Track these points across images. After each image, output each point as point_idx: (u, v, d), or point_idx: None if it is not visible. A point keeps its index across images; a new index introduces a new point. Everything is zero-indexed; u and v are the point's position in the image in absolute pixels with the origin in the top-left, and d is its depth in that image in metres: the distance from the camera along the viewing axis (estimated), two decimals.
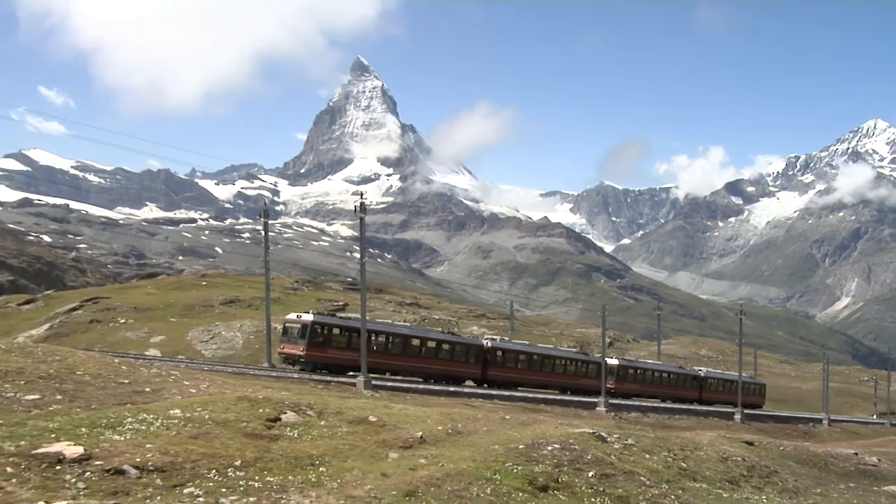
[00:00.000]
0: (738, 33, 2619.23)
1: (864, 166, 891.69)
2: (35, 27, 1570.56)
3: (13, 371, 20.75)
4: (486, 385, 56.85)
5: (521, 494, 16.30)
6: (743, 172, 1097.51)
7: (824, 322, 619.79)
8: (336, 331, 49.42)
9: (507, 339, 67.02)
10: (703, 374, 79.74)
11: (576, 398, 57.83)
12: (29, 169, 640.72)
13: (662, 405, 65.54)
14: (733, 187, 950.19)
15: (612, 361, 68.14)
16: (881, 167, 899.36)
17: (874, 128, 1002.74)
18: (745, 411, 69.71)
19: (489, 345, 59.00)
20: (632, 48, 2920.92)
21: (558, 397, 56.81)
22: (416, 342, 54.66)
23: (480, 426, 24.31)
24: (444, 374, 55.29)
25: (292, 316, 50.56)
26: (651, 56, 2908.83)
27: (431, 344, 55.83)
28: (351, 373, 46.85)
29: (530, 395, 53.43)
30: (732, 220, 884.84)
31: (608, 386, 61.96)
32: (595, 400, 56.30)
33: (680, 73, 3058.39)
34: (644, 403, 64.19)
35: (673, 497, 19.72)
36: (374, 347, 49.84)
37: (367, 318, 49.15)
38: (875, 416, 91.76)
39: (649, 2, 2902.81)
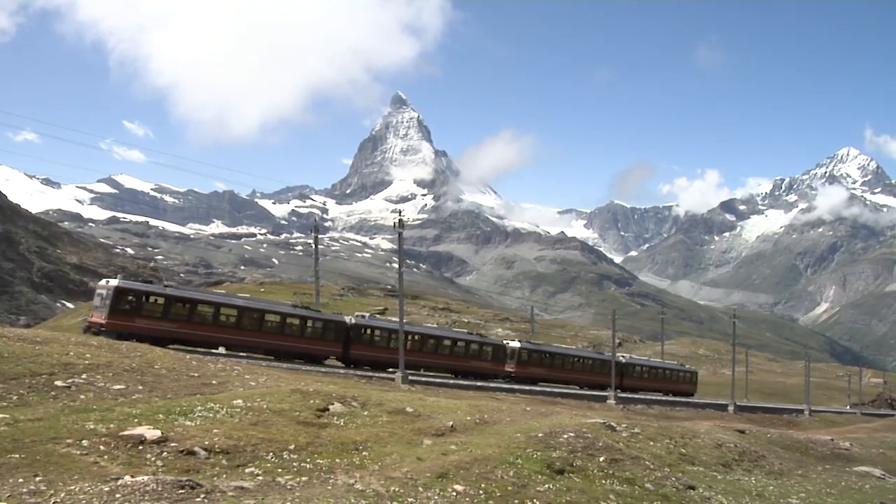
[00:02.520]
0: (732, 70, 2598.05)
1: (839, 188, 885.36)
2: (122, 70, 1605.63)
3: (103, 364, 21.11)
4: (352, 365, 46.04)
5: (540, 477, 16.20)
6: (736, 193, 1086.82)
7: (806, 325, 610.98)
8: (150, 299, 39.16)
9: (376, 315, 56.51)
10: (624, 361, 70.45)
11: (590, 392, 57.37)
12: (116, 191, 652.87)
13: (665, 398, 64.80)
14: (727, 206, 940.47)
15: (513, 344, 59.83)
16: (854, 189, 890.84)
17: (847, 154, 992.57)
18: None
19: (353, 321, 47.87)
20: (638, 81, 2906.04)
21: (573, 391, 56.37)
22: (274, 318, 44.25)
23: (504, 417, 24.21)
24: (300, 352, 44.54)
25: (102, 282, 40.59)
26: (655, 88, 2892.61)
27: (294, 321, 45.10)
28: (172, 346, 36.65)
29: (548, 390, 53.25)
30: (727, 234, 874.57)
31: (508, 370, 56.85)
32: (606, 394, 55.87)
33: (680, 104, 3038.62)
34: (649, 397, 63.59)
35: (674, 479, 19.49)
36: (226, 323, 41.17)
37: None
38: (848, 407, 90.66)
39: (654, 41, 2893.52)
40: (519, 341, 61.39)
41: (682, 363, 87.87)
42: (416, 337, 52.20)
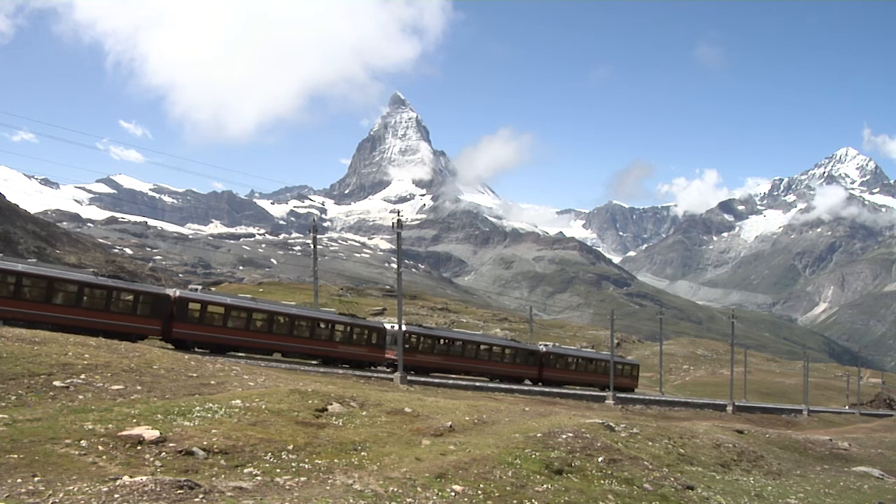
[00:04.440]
0: (731, 70, 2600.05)
1: (837, 188, 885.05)
2: (118, 70, 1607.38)
3: (101, 365, 21.12)
4: (173, 346, 38.91)
5: (538, 477, 16.21)
6: (734, 193, 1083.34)
7: (805, 325, 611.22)
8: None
9: (201, 289, 47.78)
10: (544, 350, 62.72)
11: (588, 392, 57.39)
12: (115, 192, 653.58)
13: (661, 399, 64.79)
14: (726, 206, 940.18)
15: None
16: (852, 189, 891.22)
17: (846, 155, 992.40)
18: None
19: (177, 294, 40.83)
20: (636, 81, 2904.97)
21: (572, 392, 56.37)
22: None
23: (503, 417, 24.23)
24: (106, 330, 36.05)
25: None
26: (654, 88, 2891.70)
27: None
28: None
29: (547, 390, 53.21)
30: (725, 234, 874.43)
31: (389, 357, 48.69)
32: (605, 394, 55.88)
33: (679, 104, 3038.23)
34: (646, 397, 63.61)
35: (672, 479, 19.51)
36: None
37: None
38: (847, 407, 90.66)
39: (653, 41, 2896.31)
40: (406, 324, 52.13)
41: (622, 355, 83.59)
42: (264, 316, 43.65)
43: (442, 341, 54.41)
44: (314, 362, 45.37)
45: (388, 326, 50.48)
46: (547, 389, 53.81)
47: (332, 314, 49.33)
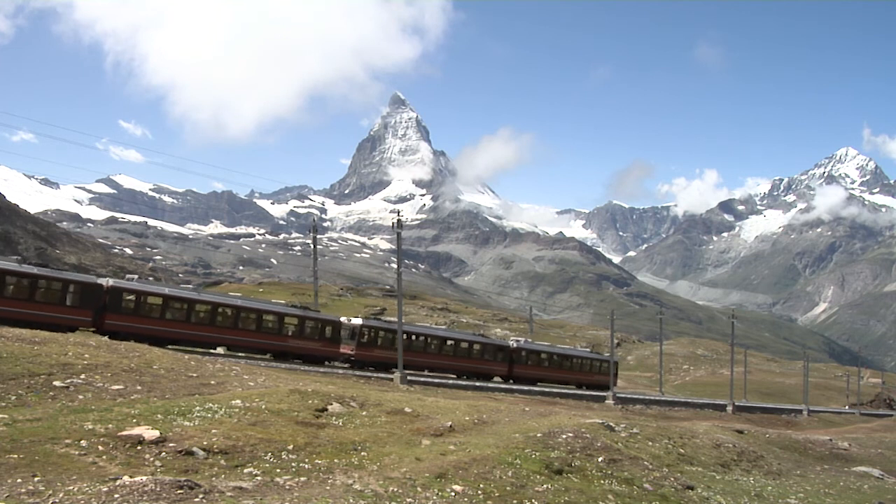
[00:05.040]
0: (731, 70, 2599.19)
1: (837, 188, 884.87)
2: (117, 70, 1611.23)
3: (101, 365, 21.13)
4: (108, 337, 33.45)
5: (538, 477, 16.21)
6: (734, 193, 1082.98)
7: (805, 325, 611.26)
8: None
9: (138, 279, 43.94)
10: (514, 346, 60.09)
11: (588, 392, 57.40)
12: (115, 192, 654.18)
13: (656, 398, 64.75)
14: (726, 206, 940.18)
15: (355, 321, 48.66)
16: (852, 189, 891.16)
17: (846, 155, 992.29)
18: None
19: (110, 284, 38.44)
20: (636, 81, 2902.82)
21: (572, 391, 56.39)
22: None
23: (503, 417, 24.23)
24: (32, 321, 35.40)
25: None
26: (654, 88, 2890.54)
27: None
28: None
29: (547, 390, 53.25)
30: (725, 234, 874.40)
31: (345, 352, 46.77)
32: (605, 394, 55.87)
33: (679, 103, 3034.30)
34: (645, 397, 63.61)
35: (672, 479, 19.50)
36: None
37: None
38: (847, 407, 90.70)
39: (653, 41, 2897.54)
40: (363, 318, 50.56)
41: (599, 351, 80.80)
42: (206, 308, 41.53)
43: (404, 337, 50.13)
44: (316, 363, 45.38)
45: (343, 320, 48.53)
46: (547, 389, 53.80)
47: (282, 306, 46.76)
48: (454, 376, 51.93)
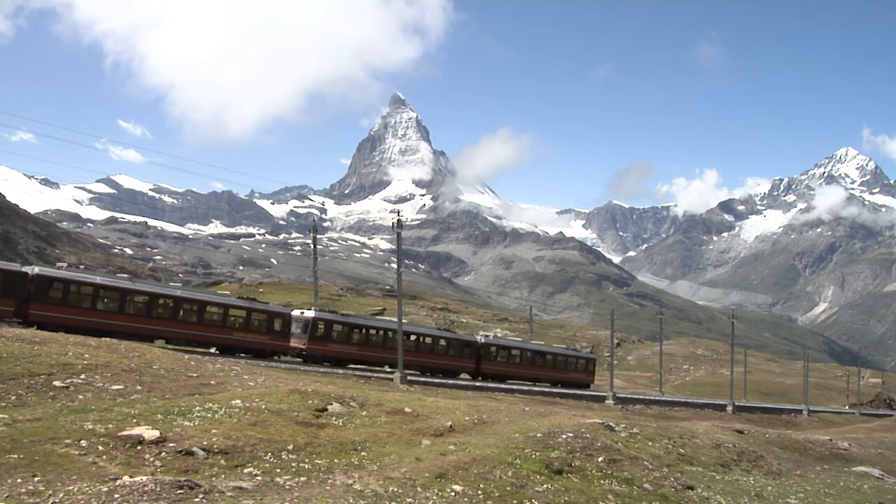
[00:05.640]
0: (731, 70, 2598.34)
1: (837, 188, 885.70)
2: (116, 70, 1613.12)
3: (101, 365, 21.13)
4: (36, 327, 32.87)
5: (538, 477, 16.21)
6: (734, 193, 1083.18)
7: (805, 325, 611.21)
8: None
9: (66, 267, 41.46)
10: (482, 341, 58.22)
11: (588, 392, 57.39)
12: (115, 192, 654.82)
13: (645, 397, 64.65)
14: (726, 206, 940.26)
15: (308, 314, 46.63)
16: (852, 189, 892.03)
17: (846, 155, 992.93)
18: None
19: (35, 272, 36.75)
20: (636, 80, 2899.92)
21: (572, 392, 56.38)
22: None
23: (503, 417, 24.23)
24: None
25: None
26: (653, 88, 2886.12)
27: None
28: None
29: (547, 390, 53.26)
30: (725, 234, 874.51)
31: (296, 346, 45.07)
32: (604, 394, 55.88)
33: (679, 104, 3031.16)
34: (645, 397, 63.58)
35: (672, 479, 19.50)
36: None
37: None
38: (847, 407, 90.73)
39: (653, 41, 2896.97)
40: (315, 310, 48.43)
41: (575, 347, 77.75)
42: (144, 298, 39.58)
43: (360, 330, 49.48)
44: (314, 363, 45.36)
45: (296, 313, 46.74)
46: (547, 389, 53.83)
47: (227, 297, 44.56)
48: (418, 373, 50.22)
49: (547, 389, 53.57)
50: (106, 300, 38.02)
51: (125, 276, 42.91)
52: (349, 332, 48.08)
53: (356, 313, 58.18)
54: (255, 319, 43.48)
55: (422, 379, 44.93)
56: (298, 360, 45.57)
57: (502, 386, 50.72)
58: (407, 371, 44.80)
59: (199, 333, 41.06)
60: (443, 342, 54.72)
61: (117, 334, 34.43)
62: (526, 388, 52.43)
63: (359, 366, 47.39)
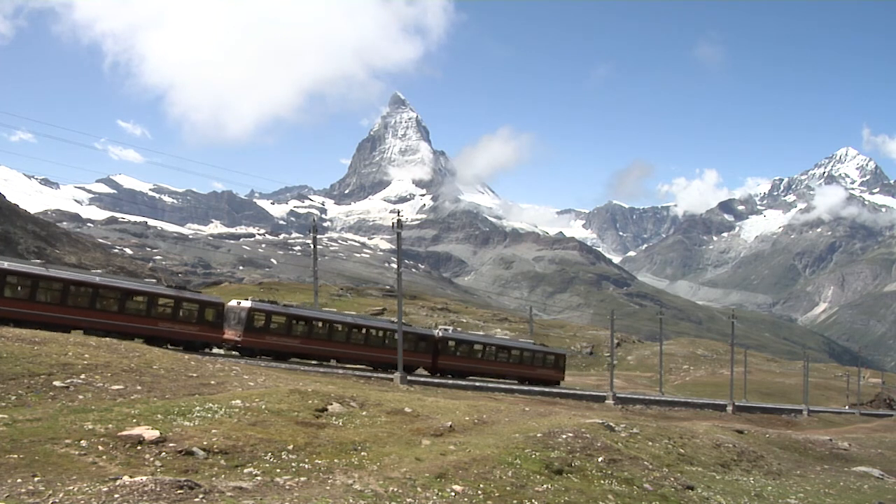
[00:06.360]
0: (731, 70, 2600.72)
1: (837, 188, 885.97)
2: (115, 70, 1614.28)
3: (101, 365, 21.13)
4: None
5: (538, 477, 16.21)
6: (734, 193, 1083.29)
7: (805, 325, 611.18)
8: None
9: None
10: (440, 335, 54.51)
11: (588, 392, 57.38)
12: (115, 192, 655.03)
13: (644, 397, 64.65)
14: (726, 206, 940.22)
15: (244, 303, 43.66)
16: (852, 189, 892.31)
17: (846, 155, 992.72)
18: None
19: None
20: (636, 80, 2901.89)
21: (572, 392, 56.36)
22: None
23: (503, 417, 24.22)
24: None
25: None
26: (654, 88, 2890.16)
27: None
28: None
29: (547, 390, 53.17)
30: (725, 234, 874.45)
31: (230, 338, 42.40)
32: (605, 394, 55.88)
33: (679, 104, 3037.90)
34: (645, 397, 63.58)
35: (672, 479, 19.50)
36: None
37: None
38: (847, 407, 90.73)
39: (653, 41, 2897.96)
40: (252, 300, 45.40)
41: (542, 343, 74.68)
42: (60, 285, 36.74)
43: (303, 322, 46.13)
44: (313, 363, 45.36)
45: (233, 303, 44.13)
46: (547, 389, 53.71)
47: (153, 285, 42.14)
48: (370, 368, 47.93)
49: (547, 389, 53.47)
50: (18, 287, 35.32)
51: (38, 261, 40.83)
52: (291, 325, 44.87)
53: (297, 304, 54.66)
54: (184, 309, 40.55)
55: (422, 379, 44.90)
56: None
57: (502, 386, 50.66)
58: (355, 366, 43.71)
59: (121, 324, 37.70)
60: (375, 333, 50.51)
61: (28, 324, 32.45)
62: (526, 388, 52.40)
63: (300, 359, 44.98)
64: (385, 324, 53.14)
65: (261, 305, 44.53)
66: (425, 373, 52.04)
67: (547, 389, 53.43)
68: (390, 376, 42.05)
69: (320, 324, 46.96)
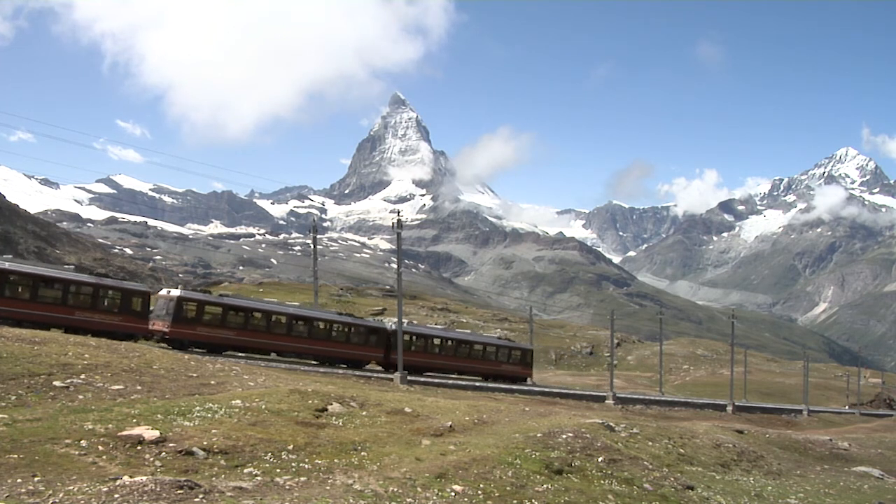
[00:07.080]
0: (731, 70, 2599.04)
1: (837, 188, 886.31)
2: (115, 70, 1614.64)
3: (101, 365, 21.13)
4: None
5: (538, 477, 16.21)
6: (734, 193, 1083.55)
7: (805, 325, 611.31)
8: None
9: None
10: (392, 328, 50.12)
11: (589, 393, 57.38)
12: (115, 192, 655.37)
13: (645, 397, 64.67)
14: (726, 206, 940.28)
15: (174, 292, 41.63)
16: (852, 189, 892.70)
17: (846, 155, 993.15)
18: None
19: None
20: (636, 80, 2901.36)
21: (572, 392, 56.36)
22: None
23: (503, 417, 24.22)
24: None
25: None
26: (654, 88, 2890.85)
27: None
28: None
29: (547, 390, 53.22)
30: (725, 234, 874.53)
31: (157, 328, 39.93)
32: (604, 394, 55.89)
33: (679, 104, 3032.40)
34: (645, 397, 63.60)
35: (672, 479, 19.50)
36: None
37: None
38: (847, 407, 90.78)
39: (653, 41, 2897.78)
40: (182, 289, 43.91)
41: (508, 337, 72.06)
42: None
43: (239, 313, 43.63)
44: (314, 363, 45.31)
45: (163, 292, 42.40)
46: (547, 389, 53.76)
47: (70, 272, 39.73)
48: (344, 366, 45.69)
49: (547, 389, 53.53)
50: None
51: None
52: (224, 315, 42.43)
53: (235, 293, 52.30)
54: (106, 297, 38.44)
55: (422, 379, 44.87)
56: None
57: (502, 386, 50.57)
58: (297, 360, 42.51)
59: (34, 312, 35.08)
60: (341, 328, 48.50)
61: None
62: (526, 388, 52.41)
63: (237, 352, 42.54)
64: (331, 315, 50.54)
65: (191, 294, 42.91)
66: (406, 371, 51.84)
67: (547, 390, 53.43)
68: (390, 376, 42.06)
69: (258, 315, 44.57)
